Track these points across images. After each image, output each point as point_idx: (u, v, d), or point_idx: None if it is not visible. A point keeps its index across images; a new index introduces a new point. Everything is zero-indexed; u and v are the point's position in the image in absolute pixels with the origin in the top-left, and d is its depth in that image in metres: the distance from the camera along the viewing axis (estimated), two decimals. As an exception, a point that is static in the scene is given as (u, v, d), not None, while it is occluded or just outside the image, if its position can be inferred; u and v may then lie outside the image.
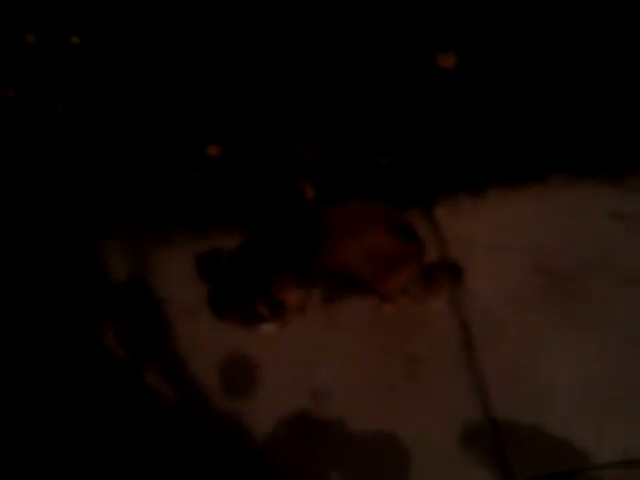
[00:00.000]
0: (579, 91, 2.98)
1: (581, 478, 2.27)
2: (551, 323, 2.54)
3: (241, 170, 2.86)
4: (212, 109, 3.00)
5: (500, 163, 2.85)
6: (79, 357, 2.53)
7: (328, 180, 2.82)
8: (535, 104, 2.97)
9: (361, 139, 2.91)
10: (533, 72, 3.03)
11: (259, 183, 2.82)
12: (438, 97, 3.00)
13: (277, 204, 2.77)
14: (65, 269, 2.67)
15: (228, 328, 2.50)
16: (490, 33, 3.09)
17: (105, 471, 2.33)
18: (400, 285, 2.51)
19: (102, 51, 3.11)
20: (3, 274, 2.65)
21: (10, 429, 2.40)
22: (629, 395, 2.38)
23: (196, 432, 2.39)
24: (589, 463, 2.28)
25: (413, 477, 2.30)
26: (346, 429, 2.37)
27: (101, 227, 2.75)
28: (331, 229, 2.36)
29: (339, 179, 2.82)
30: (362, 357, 2.49)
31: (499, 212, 2.77)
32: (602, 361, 2.45)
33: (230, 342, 2.52)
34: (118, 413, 2.43)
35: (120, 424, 2.41)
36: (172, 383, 2.48)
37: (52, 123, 2.97)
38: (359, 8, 3.12)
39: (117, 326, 2.58)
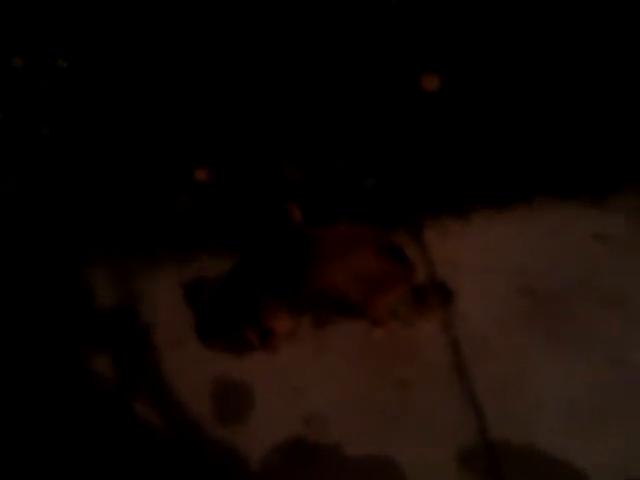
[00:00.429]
0: (562, 113, 3.02)
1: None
2: (536, 344, 2.55)
3: (228, 193, 2.85)
4: (199, 133, 2.99)
5: (484, 185, 2.88)
6: (66, 385, 2.49)
7: (315, 202, 2.82)
8: (518, 126, 3.00)
9: (347, 161, 2.92)
10: (517, 95, 3.06)
11: (247, 206, 2.82)
12: (423, 119, 3.02)
13: (265, 226, 2.76)
14: (51, 294, 2.63)
15: (217, 354, 2.49)
16: (473, 55, 3.11)
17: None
18: (389, 307, 2.52)
19: (89, 74, 3.07)
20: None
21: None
22: (616, 414, 2.41)
23: (188, 460, 2.36)
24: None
25: (409, 500, 2.31)
26: (340, 454, 2.36)
27: (87, 251, 2.72)
28: (319, 251, 2.37)
29: (326, 201, 2.82)
30: (354, 381, 2.49)
31: (484, 234, 2.79)
32: (587, 382, 2.47)
33: (220, 368, 2.50)
34: (107, 442, 2.39)
35: (109, 453, 2.37)
36: (161, 410, 2.45)
37: (38, 145, 2.92)
38: (344, 30, 3.12)
39: (104, 353, 2.55)
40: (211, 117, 3.02)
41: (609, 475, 2.31)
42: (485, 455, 2.36)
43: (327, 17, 3.12)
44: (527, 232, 2.79)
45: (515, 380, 2.49)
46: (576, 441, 2.37)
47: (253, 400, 2.46)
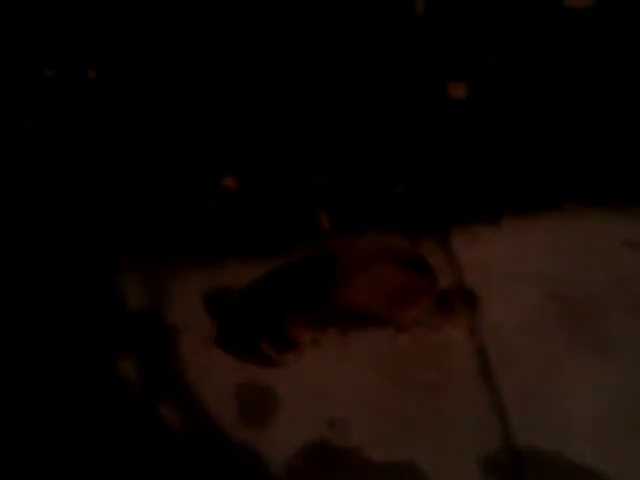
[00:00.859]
0: (592, 119, 3.00)
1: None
2: (565, 352, 2.52)
3: (256, 200, 2.88)
4: (227, 140, 3.04)
5: (514, 192, 2.88)
6: (93, 388, 2.53)
7: (343, 209, 2.84)
8: (548, 132, 2.99)
9: (375, 168, 2.94)
10: (546, 100, 3.05)
11: (274, 213, 2.85)
12: (451, 126, 3.02)
13: (293, 233, 2.79)
14: (80, 300, 2.68)
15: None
16: (500, 63, 3.11)
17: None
18: (414, 318, 2.52)
19: (119, 83, 3.15)
20: (20, 306, 2.66)
21: (20, 458, 2.39)
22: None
23: (213, 463, 2.38)
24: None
25: (432, 507, 2.29)
26: (363, 458, 2.35)
27: (117, 257, 2.77)
28: (342, 269, 2.39)
29: (354, 208, 2.84)
30: (378, 386, 2.48)
31: (514, 241, 2.79)
32: (617, 390, 2.43)
33: (245, 372, 2.52)
34: (133, 444, 2.42)
35: (136, 455, 2.40)
36: (187, 414, 2.47)
37: (70, 154, 3.00)
38: (374, 40, 3.15)
39: (131, 355, 2.58)
40: (239, 125, 3.07)
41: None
42: (511, 463, 2.32)
43: (359, 27, 3.15)
44: (557, 239, 2.78)
45: (543, 387, 2.45)
46: (606, 450, 2.31)
47: (277, 404, 2.47)
